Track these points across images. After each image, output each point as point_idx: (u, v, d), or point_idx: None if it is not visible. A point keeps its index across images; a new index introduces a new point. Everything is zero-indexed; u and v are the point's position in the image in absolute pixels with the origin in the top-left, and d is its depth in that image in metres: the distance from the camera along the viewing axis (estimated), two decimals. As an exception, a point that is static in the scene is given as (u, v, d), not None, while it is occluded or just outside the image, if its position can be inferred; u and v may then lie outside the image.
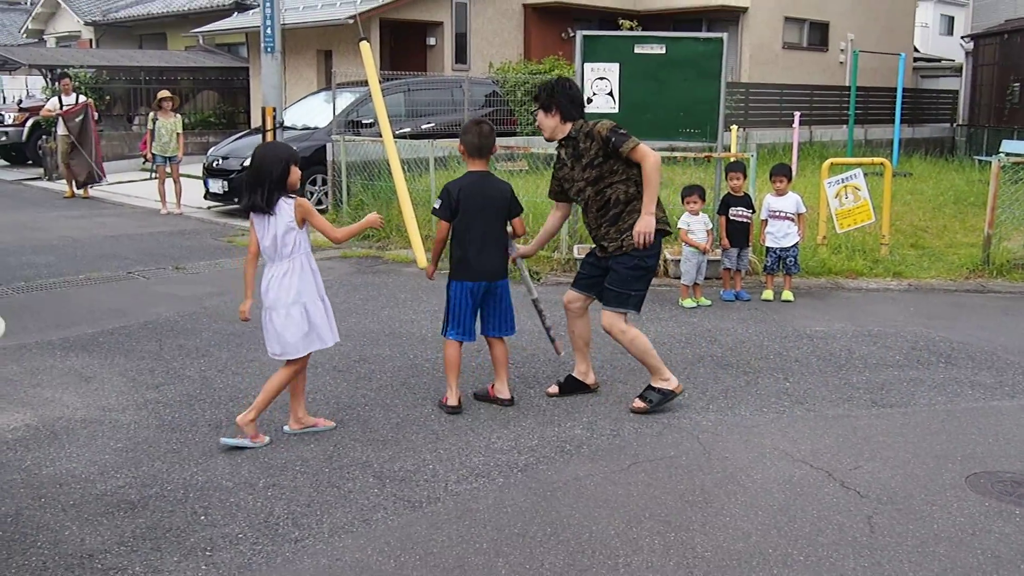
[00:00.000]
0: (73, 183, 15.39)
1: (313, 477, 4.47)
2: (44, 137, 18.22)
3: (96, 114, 15.73)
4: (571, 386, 5.72)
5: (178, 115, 14.00)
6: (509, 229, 5.51)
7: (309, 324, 4.82)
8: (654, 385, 5.42)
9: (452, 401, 5.39)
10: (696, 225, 8.08)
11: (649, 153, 5.13)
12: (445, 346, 5.45)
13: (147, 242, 11.15)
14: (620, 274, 5.32)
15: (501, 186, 5.43)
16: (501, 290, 5.46)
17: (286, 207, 4.74)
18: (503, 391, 5.52)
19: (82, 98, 15.81)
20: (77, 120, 15.24)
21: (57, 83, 16.63)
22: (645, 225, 5.18)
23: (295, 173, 4.76)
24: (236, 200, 13.43)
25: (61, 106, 15.33)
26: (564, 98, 5.34)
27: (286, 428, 5.04)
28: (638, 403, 5.41)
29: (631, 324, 5.44)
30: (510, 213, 5.45)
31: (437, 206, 5.36)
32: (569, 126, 5.38)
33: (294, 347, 4.80)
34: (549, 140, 5.50)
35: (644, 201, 5.19)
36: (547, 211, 9.94)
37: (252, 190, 4.73)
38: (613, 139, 5.17)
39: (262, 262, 4.89)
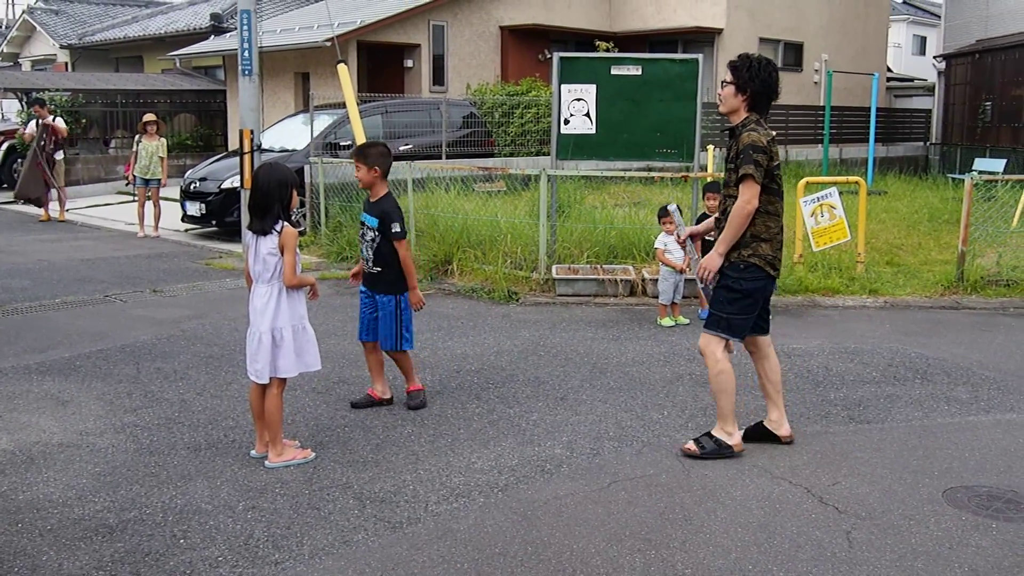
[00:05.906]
0: (47, 207, 15.31)
1: (293, 499, 4.46)
2: (19, 160, 18.09)
3: (55, 137, 15.46)
4: (758, 434, 5.20)
5: (162, 139, 13.94)
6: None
7: (285, 349, 4.82)
8: (714, 433, 5.01)
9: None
10: (673, 245, 8.12)
11: (747, 198, 4.72)
12: (405, 357, 5.86)
13: (124, 265, 11.09)
14: (716, 293, 4.97)
15: None
16: None
17: (276, 231, 4.77)
18: (387, 391, 5.93)
19: (59, 121, 15.72)
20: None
21: (31, 109, 16.53)
22: (708, 262, 4.89)
23: (295, 197, 4.88)
24: (214, 223, 13.41)
25: (37, 128, 15.28)
26: (760, 86, 4.82)
27: (253, 453, 5.01)
28: (691, 446, 5.00)
29: (727, 357, 4.97)
30: None
31: (400, 229, 5.66)
32: (745, 116, 4.89)
33: (262, 371, 4.82)
34: (723, 115, 5.03)
35: (718, 239, 4.88)
36: (526, 232, 10.06)
37: (263, 213, 4.75)
38: (741, 156, 4.76)
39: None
